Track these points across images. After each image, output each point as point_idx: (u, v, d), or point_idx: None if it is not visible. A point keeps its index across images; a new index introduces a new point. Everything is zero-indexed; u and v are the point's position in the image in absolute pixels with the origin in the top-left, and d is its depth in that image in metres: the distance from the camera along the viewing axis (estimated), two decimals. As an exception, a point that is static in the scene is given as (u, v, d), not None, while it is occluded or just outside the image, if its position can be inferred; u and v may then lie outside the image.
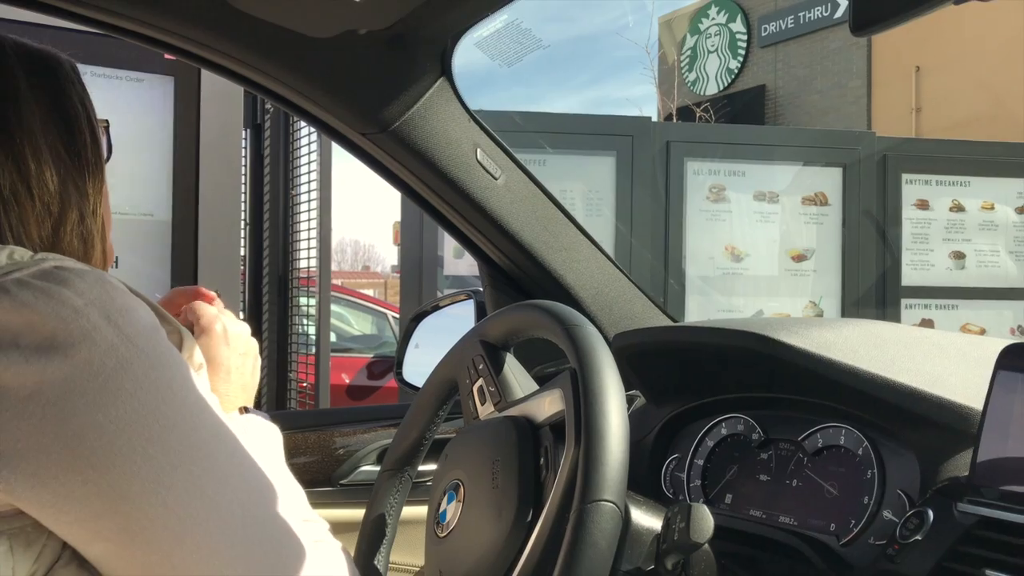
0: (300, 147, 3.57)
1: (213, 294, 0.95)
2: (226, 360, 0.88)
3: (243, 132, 3.26)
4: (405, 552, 1.27)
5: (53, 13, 1.02)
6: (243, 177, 3.39)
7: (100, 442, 0.57)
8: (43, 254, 0.64)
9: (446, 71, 1.17)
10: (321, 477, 1.37)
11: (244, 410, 0.90)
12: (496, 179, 1.26)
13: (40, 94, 0.73)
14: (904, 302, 4.37)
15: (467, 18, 1.07)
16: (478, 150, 1.24)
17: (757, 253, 4.29)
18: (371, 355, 5.99)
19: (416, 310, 1.59)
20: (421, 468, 1.03)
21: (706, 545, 0.76)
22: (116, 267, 2.38)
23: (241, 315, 3.39)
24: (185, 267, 2.71)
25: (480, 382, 0.93)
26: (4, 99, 0.70)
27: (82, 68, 0.79)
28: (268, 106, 3.59)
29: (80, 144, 0.75)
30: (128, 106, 2.71)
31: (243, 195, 3.42)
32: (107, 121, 0.81)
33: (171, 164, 2.76)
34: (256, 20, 1.01)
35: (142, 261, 2.66)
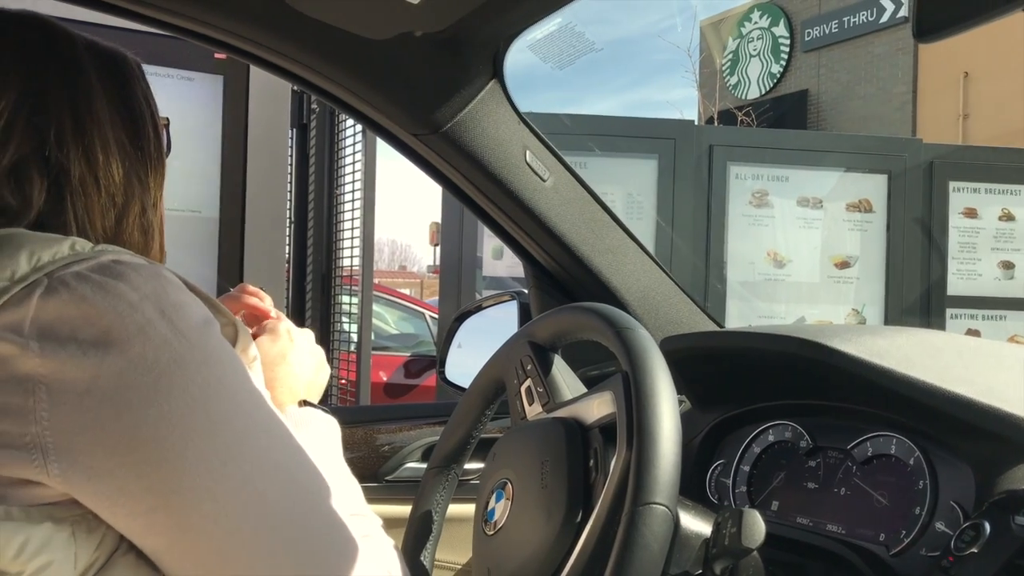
0: (345, 147, 3.60)
1: (267, 297, 0.97)
2: (290, 354, 0.90)
3: (289, 132, 3.30)
4: (450, 550, 1.28)
5: (113, 12, 1.04)
6: (289, 176, 3.43)
7: (153, 436, 0.58)
8: (102, 246, 0.65)
9: (498, 73, 1.17)
10: (367, 473, 1.38)
11: (304, 403, 0.91)
12: (544, 181, 1.26)
13: (109, 89, 0.75)
14: (949, 312, 4.30)
15: (521, 21, 1.08)
16: (527, 152, 1.24)
17: (799, 259, 4.25)
18: (408, 354, 6.02)
19: (459, 311, 1.59)
20: (467, 466, 1.04)
21: (755, 551, 0.76)
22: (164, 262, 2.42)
23: (285, 312, 3.43)
24: (231, 263, 2.76)
25: (528, 383, 0.93)
26: (77, 93, 0.72)
27: (131, 55, 0.81)
28: (314, 106, 3.63)
29: (144, 139, 0.77)
30: (178, 105, 2.76)
31: (288, 194, 3.46)
32: (167, 119, 0.83)
33: (219, 162, 2.80)
34: (314, 21, 1.03)
35: (189, 257, 2.71)
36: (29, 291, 0.58)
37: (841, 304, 4.27)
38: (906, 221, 4.27)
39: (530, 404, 0.93)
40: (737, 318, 4.18)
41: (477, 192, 1.27)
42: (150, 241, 0.78)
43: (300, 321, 3.67)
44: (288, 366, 0.89)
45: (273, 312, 0.96)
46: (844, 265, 4.26)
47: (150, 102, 0.80)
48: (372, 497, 1.36)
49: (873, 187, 4.28)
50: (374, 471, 1.40)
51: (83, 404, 0.57)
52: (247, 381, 0.65)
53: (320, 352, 0.95)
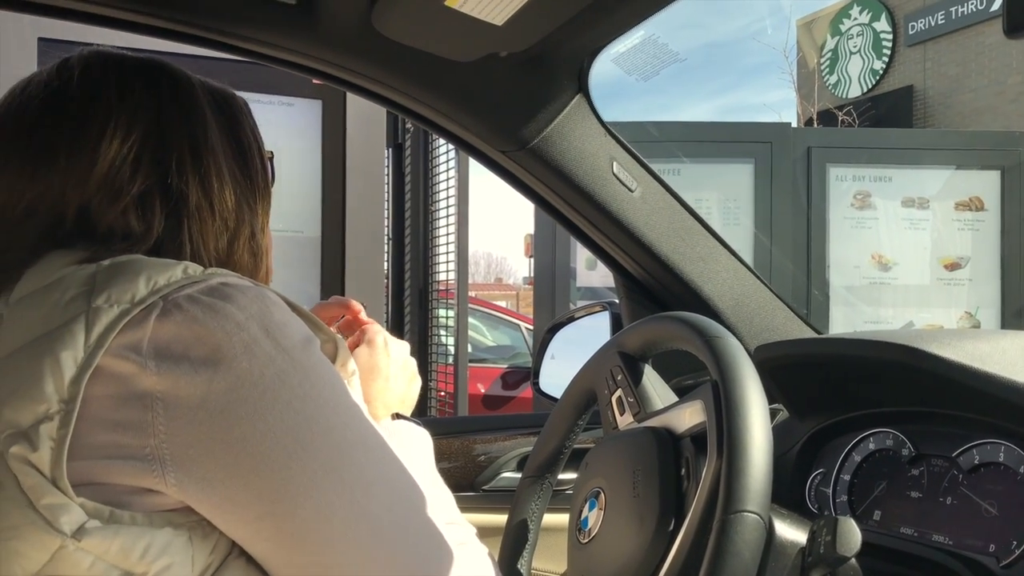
0: (439, 165, 3.68)
1: (359, 306, 1.01)
2: (386, 368, 0.93)
3: (386, 152, 3.39)
4: (547, 559, 1.30)
5: (218, 48, 1.11)
6: (386, 195, 3.53)
7: (259, 448, 0.62)
8: (212, 269, 0.69)
9: (583, 88, 1.19)
10: (464, 482, 1.41)
11: (396, 416, 0.94)
12: (632, 191, 1.27)
13: (221, 124, 0.81)
14: (1073, 313, 4.07)
15: (604, 36, 1.09)
16: (614, 163, 1.25)
17: (906, 262, 4.09)
18: (505, 365, 6.07)
19: (551, 322, 1.61)
20: (561, 476, 1.05)
21: (853, 560, 0.74)
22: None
23: (385, 327, 3.52)
24: (333, 281, 2.85)
25: (619, 393, 0.94)
26: (195, 127, 0.78)
27: (238, 94, 0.87)
28: (409, 126, 3.72)
29: (252, 169, 0.83)
30: (280, 129, 2.88)
31: (386, 212, 3.56)
32: (272, 152, 0.89)
33: (320, 183, 2.91)
34: (402, 47, 1.07)
35: (293, 275, 2.81)
36: (147, 313, 0.63)
37: (953, 307, 4.10)
38: (1022, 218, 4.07)
39: (621, 414, 0.93)
40: (842, 323, 4.06)
41: (566, 205, 1.28)
42: (259, 263, 0.83)
43: (399, 335, 3.76)
44: (383, 380, 0.93)
45: (365, 317, 0.99)
46: (954, 266, 4.08)
47: (257, 136, 0.86)
48: (469, 506, 1.39)
49: (984, 184, 4.09)
50: (471, 481, 1.43)
51: (196, 418, 0.61)
52: (346, 395, 0.69)
53: (413, 364, 0.98)
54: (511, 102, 1.17)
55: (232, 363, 0.62)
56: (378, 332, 0.97)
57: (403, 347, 0.98)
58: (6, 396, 0.61)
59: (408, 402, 0.97)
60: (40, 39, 2.53)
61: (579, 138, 1.21)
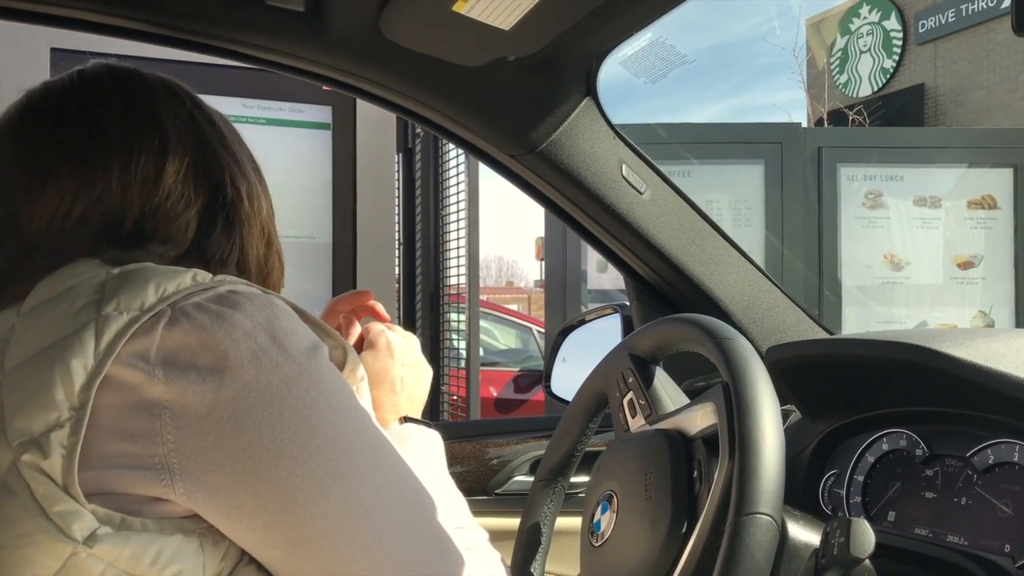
0: (449, 169, 3.69)
1: (370, 292, 1.01)
2: (391, 372, 0.93)
3: (396, 157, 3.40)
4: (559, 562, 1.30)
5: (227, 55, 1.12)
6: (396, 199, 3.54)
7: (267, 457, 0.62)
8: (221, 277, 0.70)
9: (591, 91, 1.19)
10: (476, 486, 1.41)
11: (404, 419, 0.94)
12: (642, 194, 1.27)
13: (237, 139, 0.86)
14: (1089, 310, 4.03)
15: (612, 39, 1.09)
16: (623, 166, 1.25)
17: (919, 261, 4.07)
18: (517, 369, 6.07)
19: (563, 324, 1.61)
20: (573, 479, 1.05)
21: (867, 562, 0.74)
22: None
23: (396, 331, 3.52)
24: (344, 286, 2.86)
25: (630, 395, 0.94)
26: (228, 143, 0.83)
27: (249, 102, 0.90)
28: (419, 131, 3.73)
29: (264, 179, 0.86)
30: (290, 136, 2.89)
31: (397, 216, 3.57)
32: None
33: (331, 189, 2.92)
34: (410, 52, 1.07)
35: (306, 281, 2.83)
36: (155, 320, 0.63)
37: (967, 306, 4.07)
38: (1036, 216, 4.04)
39: (633, 416, 0.93)
40: (855, 323, 4.04)
41: (575, 208, 1.28)
42: (283, 269, 0.86)
43: (411, 339, 3.76)
44: (389, 384, 0.93)
45: (378, 326, 0.99)
46: (968, 265, 4.06)
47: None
48: (482, 510, 1.39)
49: (997, 182, 4.07)
50: (483, 484, 1.43)
51: (203, 426, 0.61)
52: (353, 402, 0.69)
53: (422, 362, 0.98)
54: (520, 106, 1.17)
55: (239, 371, 0.62)
56: (380, 333, 0.96)
57: (408, 342, 0.97)
58: (18, 405, 0.62)
59: (418, 400, 0.96)
60: (52, 49, 2.55)
61: (588, 141, 1.21)
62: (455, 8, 0.94)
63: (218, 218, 0.78)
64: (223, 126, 0.83)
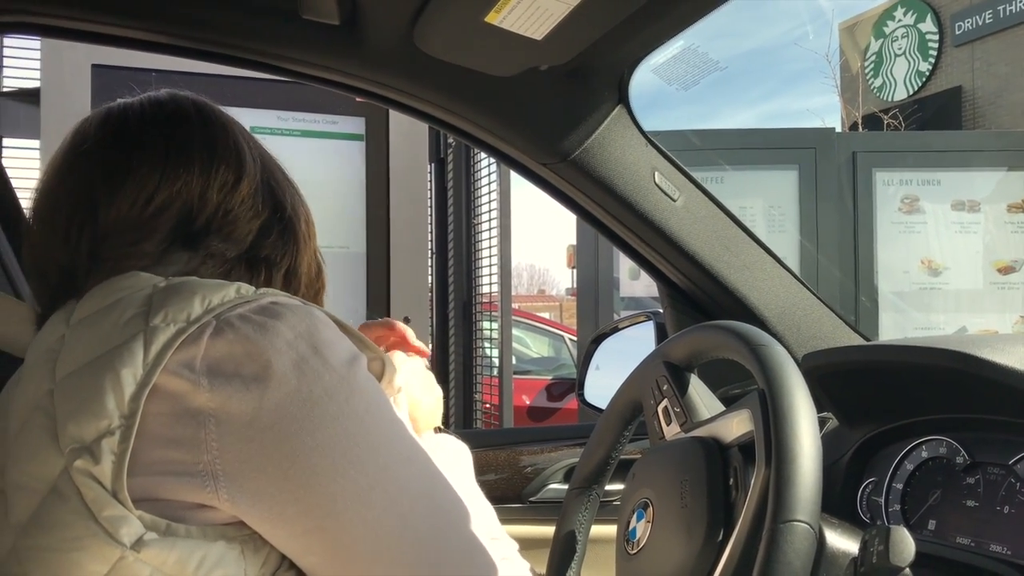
0: (481, 178, 3.70)
1: (405, 327, 1.02)
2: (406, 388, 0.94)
3: (428, 167, 3.43)
4: (595, 570, 1.29)
5: (259, 68, 1.14)
6: (429, 209, 3.56)
7: (308, 464, 0.63)
8: (264, 289, 0.72)
9: (623, 99, 1.19)
10: (511, 494, 1.42)
11: (439, 429, 0.95)
12: (675, 201, 1.27)
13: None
14: None
15: (644, 47, 1.09)
16: (656, 173, 1.25)
17: (957, 266, 4.01)
18: (550, 377, 6.06)
19: (596, 332, 1.61)
20: (608, 487, 1.05)
21: (907, 571, 0.73)
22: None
23: (430, 340, 3.54)
24: (379, 295, 2.88)
25: (665, 403, 0.94)
26: (273, 162, 0.86)
27: (283, 114, 0.93)
28: (451, 141, 3.75)
29: None
30: (324, 147, 2.93)
31: (429, 226, 3.59)
32: None
33: (364, 199, 2.94)
34: (443, 63, 1.08)
35: (340, 290, 2.85)
36: (201, 331, 0.65)
37: (1008, 312, 4.00)
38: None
39: (668, 424, 0.93)
40: (892, 329, 3.99)
41: (608, 216, 1.28)
42: (325, 285, 0.88)
43: (444, 348, 3.78)
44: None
45: (414, 340, 1.00)
46: (1008, 270, 3.99)
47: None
48: (516, 518, 1.40)
49: (1038, 185, 3.99)
50: (518, 492, 1.43)
51: (247, 434, 0.63)
52: (390, 411, 0.70)
53: (430, 377, 0.98)
54: (552, 115, 1.17)
55: (282, 380, 0.64)
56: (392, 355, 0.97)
57: (412, 365, 0.98)
58: (71, 412, 0.63)
59: (433, 415, 0.97)
60: (93, 65, 2.61)
61: (620, 148, 1.21)
62: (488, 19, 0.95)
63: (275, 229, 0.81)
64: (279, 161, 0.88)
